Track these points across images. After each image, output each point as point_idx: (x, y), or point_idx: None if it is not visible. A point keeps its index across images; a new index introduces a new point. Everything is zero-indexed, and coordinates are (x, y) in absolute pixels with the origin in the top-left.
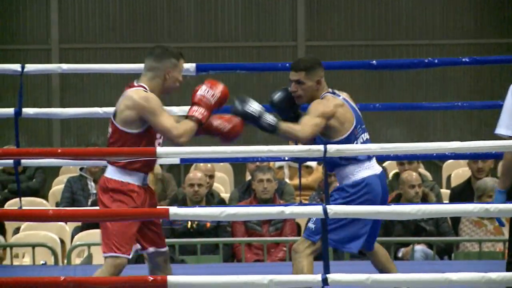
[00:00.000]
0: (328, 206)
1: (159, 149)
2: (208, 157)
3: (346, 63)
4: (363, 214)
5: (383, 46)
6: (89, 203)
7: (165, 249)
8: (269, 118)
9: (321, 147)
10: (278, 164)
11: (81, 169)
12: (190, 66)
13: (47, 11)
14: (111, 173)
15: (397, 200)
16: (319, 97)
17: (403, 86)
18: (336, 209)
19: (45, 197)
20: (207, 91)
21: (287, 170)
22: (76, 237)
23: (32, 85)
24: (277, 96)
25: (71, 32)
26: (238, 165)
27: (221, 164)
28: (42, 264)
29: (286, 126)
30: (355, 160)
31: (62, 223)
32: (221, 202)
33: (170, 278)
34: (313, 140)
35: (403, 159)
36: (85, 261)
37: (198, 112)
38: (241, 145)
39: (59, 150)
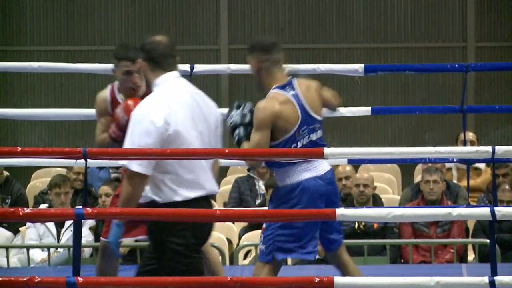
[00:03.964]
0: (496, 208)
1: (327, 150)
2: (375, 157)
3: None
4: None
5: None
6: (257, 203)
7: None
8: (236, 133)
9: (489, 148)
10: (447, 165)
11: (248, 169)
12: (358, 67)
13: (217, 12)
14: None
15: None
16: (269, 88)
17: None
18: (504, 211)
19: (213, 197)
20: (120, 112)
21: (455, 171)
22: (243, 237)
23: (201, 85)
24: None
25: (240, 33)
26: (406, 166)
27: (389, 165)
28: None
29: (243, 147)
30: (287, 162)
31: (230, 223)
32: (381, 203)
33: (337, 279)
34: None
35: None
36: (253, 262)
37: (111, 129)
38: (409, 145)
39: (227, 151)
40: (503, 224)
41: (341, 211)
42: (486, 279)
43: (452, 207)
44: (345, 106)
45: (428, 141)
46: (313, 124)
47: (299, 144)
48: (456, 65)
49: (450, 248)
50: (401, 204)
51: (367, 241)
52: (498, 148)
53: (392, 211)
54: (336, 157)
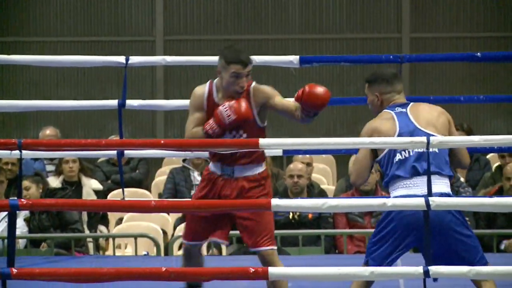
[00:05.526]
0: (430, 198)
1: (262, 141)
2: (310, 148)
3: (450, 55)
4: (466, 206)
5: (487, 38)
6: (192, 194)
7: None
8: None
9: (423, 138)
10: None
11: (184, 160)
12: (293, 58)
13: (152, 3)
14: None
15: (500, 192)
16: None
17: (507, 78)
18: (438, 201)
19: (148, 188)
20: (226, 110)
21: None
22: (178, 228)
23: (136, 77)
24: None
25: (175, 24)
26: (341, 156)
27: (324, 156)
28: (144, 254)
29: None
30: (391, 176)
31: (165, 214)
32: (322, 193)
33: (272, 269)
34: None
35: (508, 151)
36: None
37: (210, 126)
38: (344, 136)
39: (162, 141)
40: None
41: (276, 202)
42: (420, 269)
43: (387, 197)
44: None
45: None
46: (420, 136)
47: (400, 156)
48: (391, 56)
49: None
50: (336, 195)
51: (302, 231)
52: (433, 139)
53: (327, 202)
54: (271, 148)
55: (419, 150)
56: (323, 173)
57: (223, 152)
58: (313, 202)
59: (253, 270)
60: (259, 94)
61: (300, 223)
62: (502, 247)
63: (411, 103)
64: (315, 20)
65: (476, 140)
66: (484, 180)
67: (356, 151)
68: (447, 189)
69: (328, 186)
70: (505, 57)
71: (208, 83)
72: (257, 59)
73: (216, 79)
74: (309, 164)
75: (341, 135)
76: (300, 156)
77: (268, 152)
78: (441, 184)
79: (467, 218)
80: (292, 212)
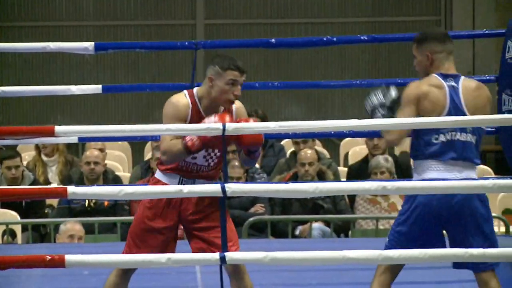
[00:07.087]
0: (226, 185)
1: (58, 128)
2: (107, 135)
3: (245, 42)
4: (261, 192)
5: (282, 24)
6: None
7: None
8: (378, 114)
9: (219, 125)
10: None
11: None
12: (88, 45)
13: None
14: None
15: (295, 178)
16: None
17: (302, 65)
18: (234, 187)
19: None
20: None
21: None
22: None
23: None
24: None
25: None
26: (136, 143)
27: (119, 142)
28: None
29: None
30: (421, 154)
31: None
32: (116, 180)
33: (68, 257)
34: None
35: (302, 137)
36: None
37: (190, 138)
38: (139, 123)
39: None
40: (233, 200)
41: (72, 189)
42: (217, 255)
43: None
44: (75, 84)
45: (158, 118)
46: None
47: (443, 137)
48: (186, 43)
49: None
50: (132, 181)
51: (98, 219)
52: (229, 125)
53: (124, 189)
54: (67, 135)
55: (461, 138)
56: (118, 160)
57: (192, 163)
58: (110, 190)
59: (49, 257)
60: (241, 114)
61: (96, 210)
62: (297, 232)
63: (462, 77)
64: (110, 7)
65: (272, 126)
66: (279, 166)
67: (152, 137)
68: (475, 176)
69: (124, 173)
70: (298, 43)
71: (186, 92)
72: (52, 45)
73: (195, 89)
74: (102, 150)
75: (136, 121)
76: (92, 143)
77: (64, 140)
78: (470, 171)
79: (262, 205)
80: (88, 200)
